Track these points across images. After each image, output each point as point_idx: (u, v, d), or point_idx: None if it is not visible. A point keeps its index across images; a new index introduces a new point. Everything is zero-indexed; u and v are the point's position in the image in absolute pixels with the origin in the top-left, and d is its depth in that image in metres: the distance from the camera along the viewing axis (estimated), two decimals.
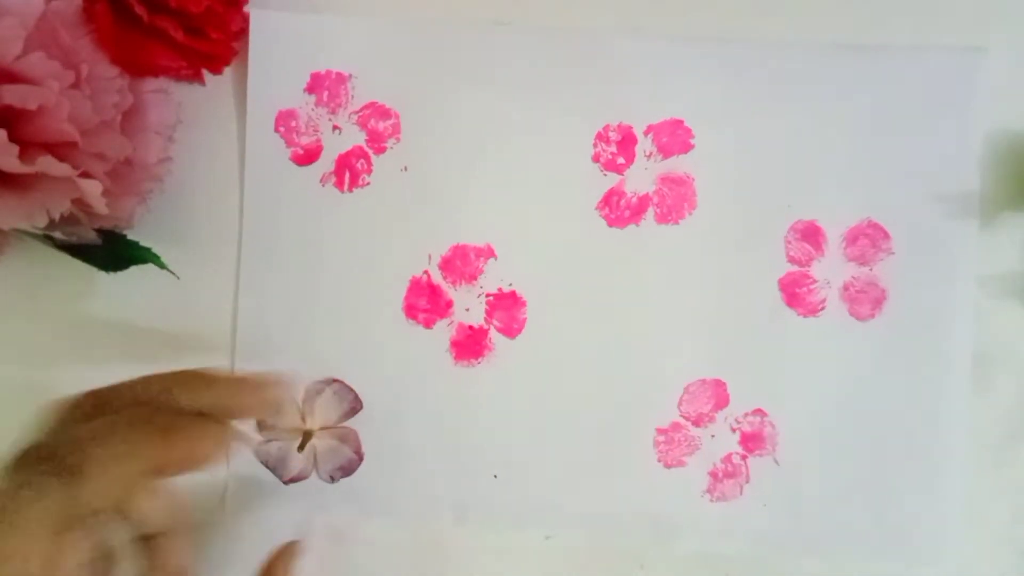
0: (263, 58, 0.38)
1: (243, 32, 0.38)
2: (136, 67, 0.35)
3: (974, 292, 0.38)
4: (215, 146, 0.39)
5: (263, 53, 0.38)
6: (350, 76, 0.38)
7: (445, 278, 0.38)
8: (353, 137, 0.38)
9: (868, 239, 0.38)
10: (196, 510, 0.35)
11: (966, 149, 0.38)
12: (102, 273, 0.38)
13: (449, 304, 0.38)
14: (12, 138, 0.31)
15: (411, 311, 0.38)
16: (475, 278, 0.38)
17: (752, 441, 0.38)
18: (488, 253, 0.38)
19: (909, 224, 0.38)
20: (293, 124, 0.38)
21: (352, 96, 0.38)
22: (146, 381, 0.29)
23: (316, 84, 0.38)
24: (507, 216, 0.38)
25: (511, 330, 0.38)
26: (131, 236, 0.37)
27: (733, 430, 0.38)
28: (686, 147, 0.38)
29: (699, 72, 0.38)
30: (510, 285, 0.38)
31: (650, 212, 0.38)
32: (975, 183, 0.38)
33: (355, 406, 0.38)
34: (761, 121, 0.38)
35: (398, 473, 0.38)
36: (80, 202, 0.33)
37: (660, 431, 0.38)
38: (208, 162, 0.39)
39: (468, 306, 0.38)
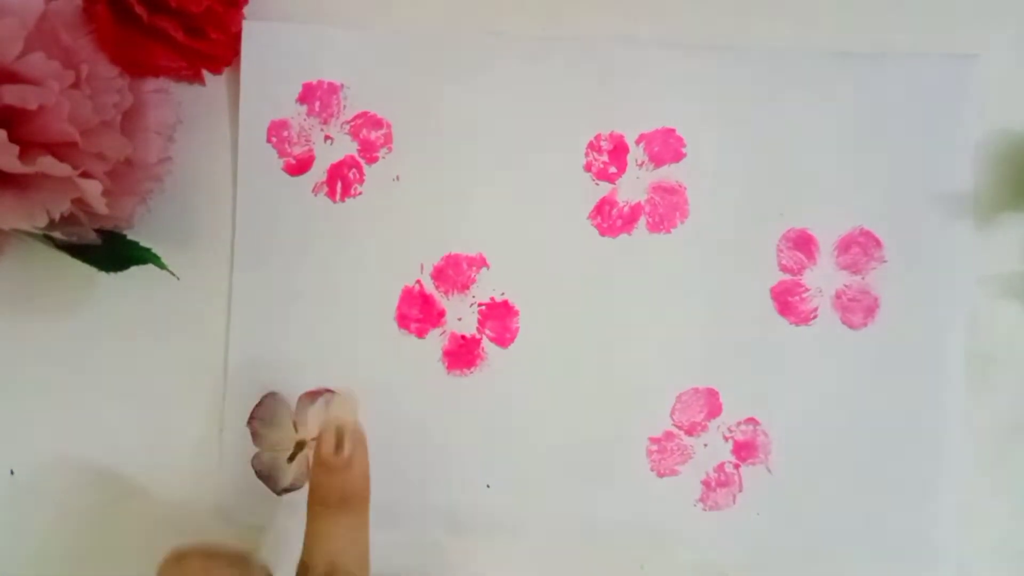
0: (255, 68, 0.38)
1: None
2: (136, 67, 0.35)
3: (967, 299, 0.38)
4: (215, 146, 0.39)
5: (255, 63, 0.38)
6: (342, 86, 0.38)
7: (437, 287, 0.38)
8: (345, 147, 0.38)
9: (860, 247, 0.38)
10: None
11: (959, 156, 0.38)
12: (102, 273, 0.38)
13: (441, 313, 0.38)
14: (12, 138, 0.31)
15: (403, 320, 0.38)
16: (467, 287, 0.38)
17: (745, 450, 0.38)
18: (480, 263, 0.38)
19: (901, 232, 0.38)
20: (285, 134, 0.38)
21: (344, 106, 0.38)
22: None
23: (308, 94, 0.38)
24: (499, 226, 0.38)
25: (504, 339, 0.38)
26: (131, 236, 0.37)
27: (726, 439, 0.38)
28: (678, 156, 0.38)
29: (691, 81, 0.38)
30: (502, 294, 0.38)
31: (642, 221, 0.38)
32: (968, 190, 0.38)
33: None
34: (753, 130, 0.38)
35: (391, 483, 0.38)
36: (80, 202, 0.33)
37: (653, 440, 0.38)
38: (208, 162, 0.39)
39: (460, 315, 0.38)
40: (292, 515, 0.38)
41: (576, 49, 0.38)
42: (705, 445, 0.38)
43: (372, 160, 0.38)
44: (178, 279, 0.38)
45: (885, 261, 0.38)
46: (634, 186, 0.38)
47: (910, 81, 0.38)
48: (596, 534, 0.38)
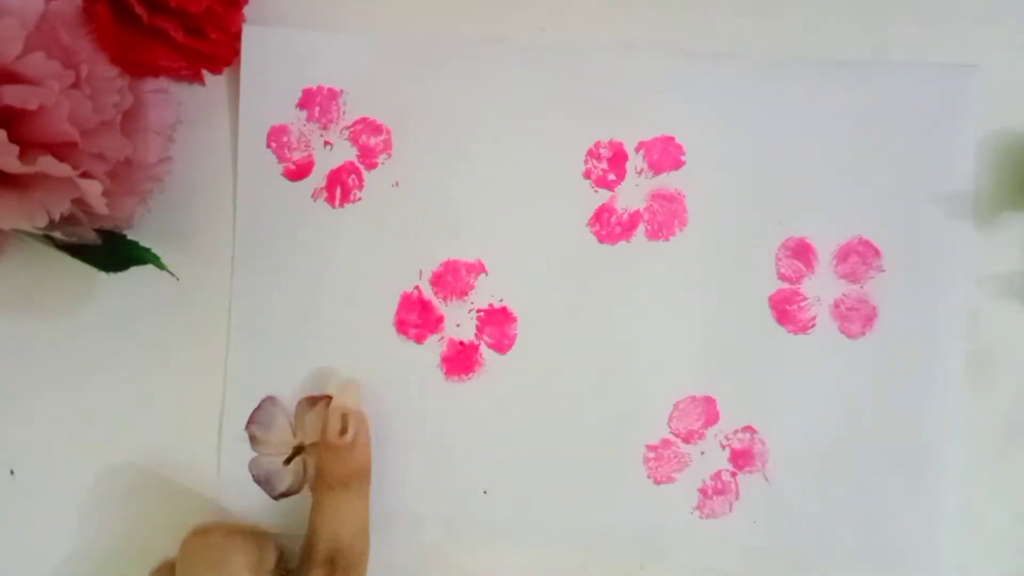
0: (255, 73, 0.38)
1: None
2: (136, 67, 0.35)
3: (966, 305, 0.38)
4: (215, 146, 0.39)
5: (255, 68, 0.38)
6: (342, 92, 0.38)
7: (436, 294, 0.38)
8: (344, 153, 0.38)
9: (859, 256, 0.38)
10: None
11: (958, 166, 0.38)
12: (102, 273, 0.38)
13: (440, 320, 0.38)
14: (12, 138, 0.31)
15: (402, 326, 0.38)
16: (466, 294, 0.38)
17: (742, 458, 0.38)
18: (479, 269, 0.38)
19: (900, 242, 0.38)
20: (285, 139, 0.38)
21: (344, 112, 0.38)
22: None
23: (308, 100, 0.38)
24: (498, 232, 0.38)
25: (502, 346, 0.38)
26: (131, 236, 0.37)
27: (723, 447, 0.38)
28: (677, 164, 0.38)
29: (690, 89, 0.38)
30: (501, 301, 0.38)
31: (641, 229, 0.38)
32: (968, 199, 0.38)
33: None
34: (752, 138, 0.38)
35: (388, 488, 0.38)
36: (80, 202, 0.33)
37: (650, 448, 0.38)
38: (208, 162, 0.39)
39: (459, 322, 0.38)
40: (289, 519, 0.38)
41: (575, 56, 0.38)
42: (702, 453, 0.38)
43: (371, 166, 0.38)
44: (178, 279, 0.38)
45: (883, 270, 0.38)
46: (633, 193, 0.38)
47: (909, 91, 0.38)
48: (593, 541, 0.38)
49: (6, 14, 0.32)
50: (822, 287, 0.38)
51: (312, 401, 0.38)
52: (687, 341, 0.38)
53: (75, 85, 0.32)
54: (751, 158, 0.38)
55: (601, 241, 0.38)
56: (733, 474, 0.38)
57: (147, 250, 0.37)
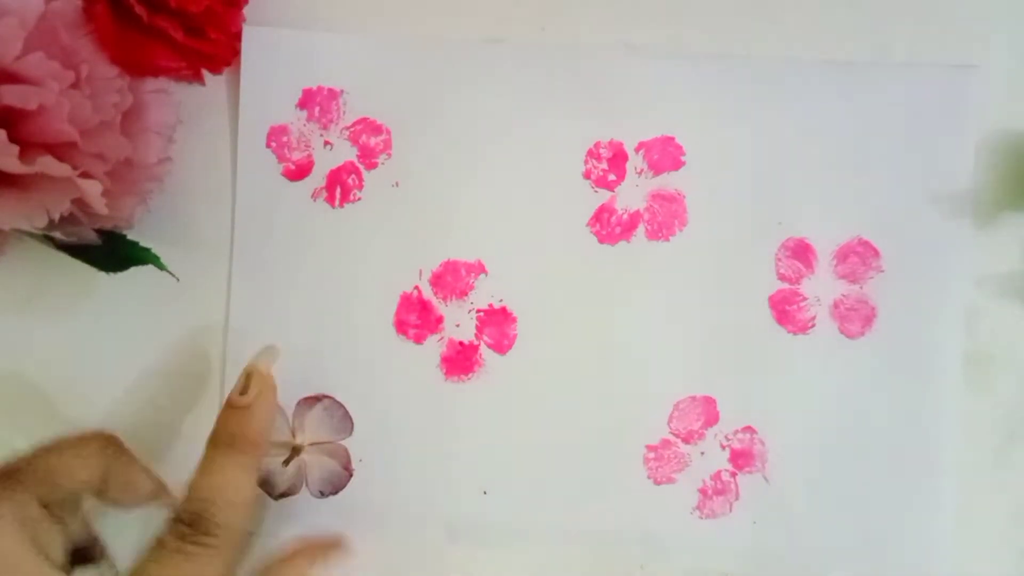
0: (255, 74, 0.38)
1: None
2: (136, 67, 0.35)
3: (965, 309, 0.38)
4: (215, 146, 0.39)
5: (255, 69, 0.38)
6: (342, 92, 0.38)
7: (436, 294, 0.38)
8: (344, 153, 0.38)
9: (858, 257, 0.38)
10: None
11: (957, 166, 0.38)
12: (102, 273, 0.38)
13: (440, 320, 0.38)
14: (12, 138, 0.31)
15: (402, 327, 0.38)
16: (466, 294, 0.38)
17: (742, 458, 0.38)
18: (479, 269, 0.38)
19: (899, 242, 0.38)
20: (285, 139, 0.38)
21: (344, 112, 0.38)
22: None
23: (308, 100, 0.38)
24: (498, 232, 0.38)
25: (502, 346, 0.38)
26: (131, 236, 0.37)
27: (723, 447, 0.38)
28: (677, 164, 0.38)
29: (690, 89, 0.38)
30: (501, 301, 0.38)
31: (641, 229, 0.38)
32: (968, 199, 0.38)
33: (346, 423, 0.38)
34: (752, 138, 0.38)
35: (388, 489, 0.38)
36: (80, 202, 0.33)
37: (650, 448, 0.38)
38: (208, 162, 0.39)
39: (459, 322, 0.38)
40: (288, 521, 0.38)
41: (575, 56, 0.38)
42: (702, 453, 0.38)
43: (371, 166, 0.38)
44: (178, 279, 0.38)
45: (883, 270, 0.38)
46: (633, 194, 0.38)
47: (909, 91, 0.38)
48: (593, 541, 0.38)
49: (6, 14, 0.32)
50: (822, 287, 0.38)
51: (311, 402, 0.38)
52: (687, 341, 0.38)
53: (75, 85, 0.32)
54: (751, 158, 0.38)
55: (601, 241, 0.38)
56: (733, 474, 0.38)
57: (147, 250, 0.37)
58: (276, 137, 0.38)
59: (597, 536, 0.38)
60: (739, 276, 0.38)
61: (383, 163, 0.38)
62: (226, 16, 0.37)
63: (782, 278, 0.38)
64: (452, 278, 0.38)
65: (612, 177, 0.38)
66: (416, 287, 0.38)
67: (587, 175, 0.38)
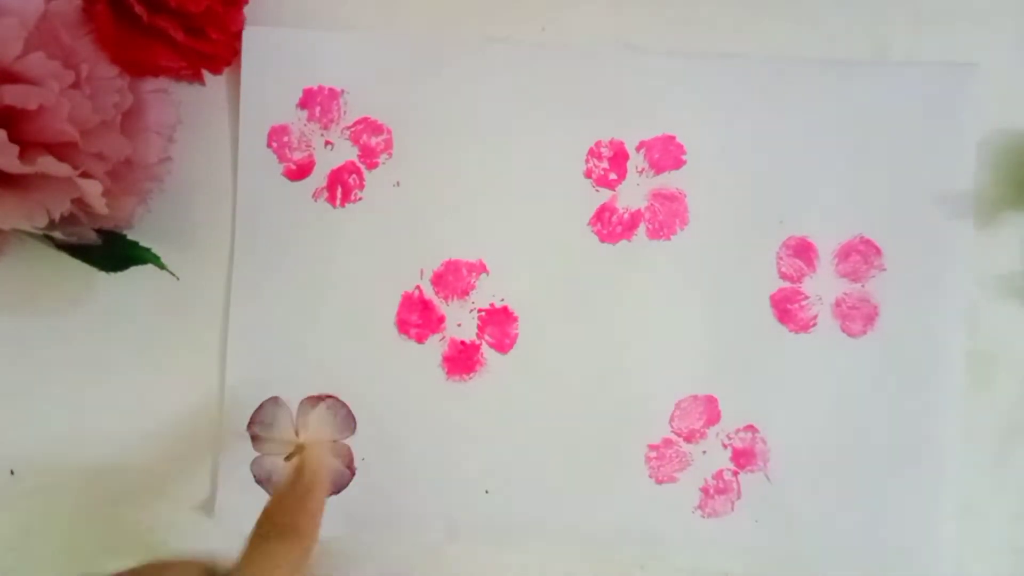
0: (256, 73, 0.38)
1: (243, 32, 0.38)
2: (136, 67, 0.35)
3: (967, 304, 0.38)
4: (215, 146, 0.39)
5: (256, 69, 0.38)
6: (342, 92, 0.38)
7: (437, 293, 0.38)
8: (345, 152, 0.38)
9: (860, 255, 0.38)
10: None
11: (959, 164, 0.38)
12: (102, 273, 0.38)
13: (441, 319, 0.38)
14: (12, 138, 0.31)
15: (403, 326, 0.38)
16: (467, 293, 0.38)
17: (743, 457, 0.38)
18: (480, 268, 0.38)
19: (901, 240, 0.38)
20: (286, 139, 0.38)
21: (344, 112, 0.38)
22: None
23: (308, 99, 0.38)
24: (499, 231, 0.38)
25: (503, 345, 0.38)
26: (131, 236, 0.37)
27: (724, 446, 0.38)
28: (678, 163, 0.38)
29: (691, 88, 0.38)
30: (502, 300, 0.38)
31: (642, 228, 0.38)
32: (968, 199, 0.38)
33: (349, 423, 0.38)
34: (753, 137, 0.38)
35: (390, 488, 0.38)
36: (80, 202, 0.33)
37: (652, 447, 0.38)
38: (208, 163, 0.39)
39: (460, 321, 0.38)
40: None
41: (576, 56, 0.38)
42: (704, 452, 0.38)
43: (372, 166, 0.38)
44: (178, 279, 0.38)
45: (885, 269, 0.38)
46: (634, 193, 0.38)
47: (910, 90, 0.38)
48: (594, 540, 0.38)
49: (6, 14, 0.32)
50: (823, 286, 0.38)
51: (314, 401, 0.38)
52: (688, 340, 0.38)
53: (75, 85, 0.32)
54: (752, 157, 0.38)
55: (602, 240, 0.38)
56: (735, 473, 0.38)
57: (147, 250, 0.37)
58: (277, 137, 0.38)
59: (598, 535, 0.38)
60: (740, 275, 0.38)
61: (384, 163, 0.38)
62: (226, 16, 0.37)
63: (783, 277, 0.38)
64: (453, 277, 0.38)
65: (613, 176, 0.38)
66: (417, 287, 0.38)
67: (588, 174, 0.38)
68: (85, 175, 0.33)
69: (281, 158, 0.38)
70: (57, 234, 0.35)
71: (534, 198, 0.38)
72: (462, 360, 0.38)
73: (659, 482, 0.38)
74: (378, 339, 0.38)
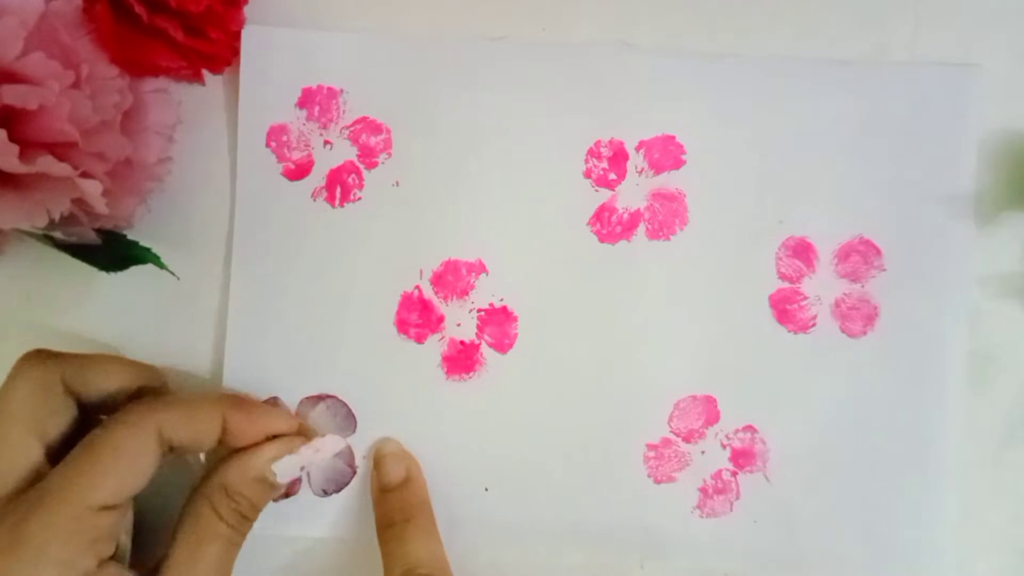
0: (254, 72, 0.38)
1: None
2: (136, 67, 0.35)
3: (967, 304, 0.38)
4: (215, 146, 0.39)
5: (254, 68, 0.38)
6: (341, 91, 0.38)
7: (436, 293, 0.38)
8: (344, 152, 0.38)
9: (860, 256, 0.38)
10: None
11: (959, 165, 0.38)
12: (102, 273, 0.37)
13: (440, 319, 0.38)
14: (12, 138, 0.31)
15: (402, 326, 0.38)
16: (466, 293, 0.38)
17: (743, 457, 0.38)
18: (480, 268, 0.38)
19: (901, 241, 0.38)
20: (284, 139, 0.38)
21: (343, 111, 0.38)
22: None
23: (307, 99, 0.38)
24: (499, 231, 0.38)
25: (502, 345, 0.38)
26: (131, 236, 0.37)
27: (724, 446, 0.38)
28: (678, 163, 0.38)
29: (691, 88, 0.38)
30: (501, 300, 0.38)
31: (641, 228, 0.38)
32: (969, 200, 0.38)
33: (349, 422, 0.38)
34: (753, 137, 0.38)
35: None
36: (80, 202, 0.33)
37: (650, 447, 0.38)
38: (208, 162, 0.39)
39: (459, 321, 0.38)
40: (291, 520, 0.38)
41: (576, 55, 0.38)
42: (703, 452, 0.38)
43: (372, 165, 0.38)
44: (178, 279, 0.38)
45: (885, 269, 0.38)
46: (634, 193, 0.38)
47: (910, 90, 0.38)
48: (593, 540, 0.38)
49: (6, 14, 0.32)
50: (823, 286, 0.38)
51: (314, 400, 0.38)
52: (688, 340, 0.38)
53: (75, 85, 0.32)
54: (752, 157, 0.38)
55: (602, 240, 0.38)
56: (734, 473, 0.38)
57: (147, 250, 0.37)
58: (276, 136, 0.38)
59: (597, 535, 0.38)
60: (740, 275, 0.38)
61: (383, 162, 0.38)
62: (226, 16, 0.37)
63: (783, 277, 0.38)
64: (453, 277, 0.38)
65: (612, 176, 0.38)
66: (417, 286, 0.38)
67: (587, 174, 0.38)
68: (85, 175, 0.33)
69: (280, 158, 0.38)
70: (57, 234, 0.35)
71: (533, 198, 0.38)
72: (462, 360, 0.38)
73: (658, 482, 0.38)
74: (377, 339, 0.38)
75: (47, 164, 0.31)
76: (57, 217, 0.33)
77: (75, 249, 0.36)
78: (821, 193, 0.38)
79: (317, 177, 0.38)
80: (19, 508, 0.29)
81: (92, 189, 0.33)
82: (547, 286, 0.38)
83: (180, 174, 0.38)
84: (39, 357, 0.33)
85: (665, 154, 0.38)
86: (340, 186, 0.38)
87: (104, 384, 0.34)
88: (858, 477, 0.38)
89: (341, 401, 0.38)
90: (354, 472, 0.38)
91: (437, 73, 0.38)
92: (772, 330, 0.38)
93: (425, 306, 0.38)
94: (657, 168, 0.38)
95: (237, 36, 0.38)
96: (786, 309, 0.38)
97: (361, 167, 0.38)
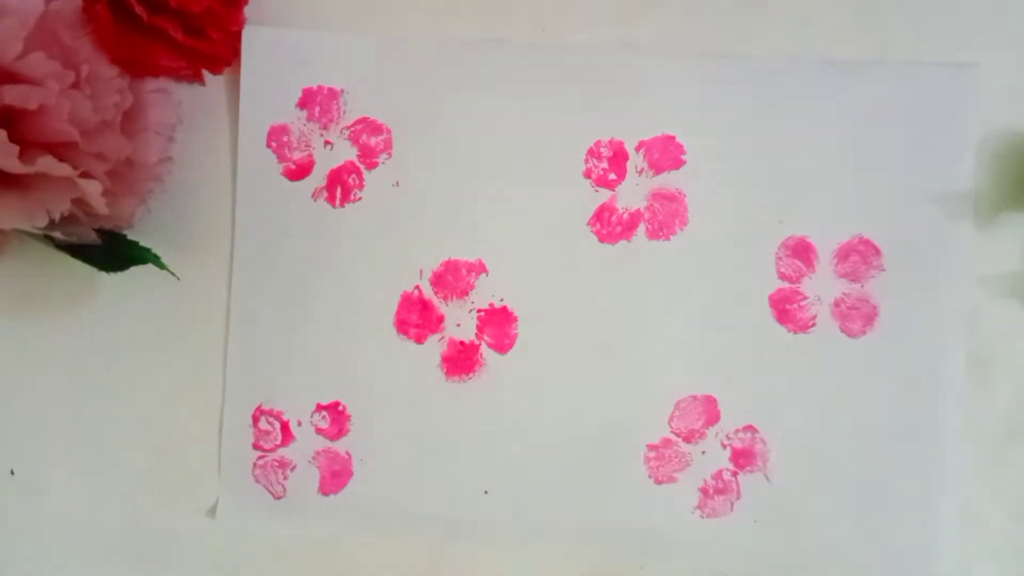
0: (255, 73, 0.38)
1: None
2: (136, 67, 0.36)
3: (967, 304, 0.38)
4: (215, 146, 0.39)
5: (255, 68, 0.38)
6: (342, 91, 0.38)
7: (436, 293, 0.38)
8: (345, 152, 0.38)
9: (859, 255, 0.38)
10: None
11: (959, 165, 0.38)
12: (102, 273, 0.38)
13: (440, 319, 0.38)
14: (12, 138, 0.31)
15: (402, 326, 0.38)
16: (466, 293, 0.38)
17: (743, 457, 0.38)
18: (479, 268, 0.38)
19: (900, 241, 0.38)
20: (285, 139, 0.38)
21: (344, 111, 0.38)
22: None
23: (308, 99, 0.38)
24: (498, 231, 0.38)
25: (502, 346, 0.38)
26: (131, 236, 0.38)
27: (724, 446, 0.38)
28: (678, 163, 0.38)
29: (691, 88, 0.38)
30: (501, 300, 0.38)
31: (641, 228, 0.38)
32: (969, 200, 0.38)
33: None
34: (752, 137, 0.38)
35: (389, 489, 0.38)
36: (80, 202, 0.33)
37: (651, 447, 0.38)
38: (208, 163, 0.39)
39: (459, 321, 0.38)
40: (290, 520, 0.38)
41: (576, 56, 0.38)
42: (703, 452, 0.38)
43: (372, 166, 0.38)
44: (178, 279, 0.38)
45: (884, 269, 0.38)
46: (634, 193, 0.38)
47: (910, 90, 0.38)
48: (593, 541, 0.38)
49: (6, 14, 0.32)
50: (822, 286, 0.38)
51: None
52: (688, 340, 0.38)
53: (75, 85, 0.33)
54: (751, 157, 0.38)
55: (602, 240, 0.38)
56: (734, 473, 0.38)
57: (147, 250, 0.37)
58: (276, 137, 0.38)
59: (597, 535, 0.38)
60: (740, 275, 0.38)
61: (383, 163, 0.38)
62: (226, 16, 0.37)
63: (783, 277, 0.38)
64: (453, 277, 0.38)
65: (613, 176, 0.38)
66: (417, 287, 0.38)
67: (587, 174, 0.38)
68: (85, 175, 0.33)
69: (281, 158, 0.38)
70: (57, 234, 0.35)
71: (533, 198, 0.38)
72: (461, 360, 0.38)
73: (658, 482, 0.38)
74: (377, 339, 0.38)
75: (47, 164, 0.31)
76: (57, 217, 0.33)
77: (75, 249, 0.36)
78: (821, 193, 0.38)
79: (318, 177, 0.38)
80: None
81: (92, 189, 0.33)
82: (547, 286, 0.38)
83: (180, 174, 0.38)
84: None
85: (665, 154, 0.38)
86: (340, 186, 0.38)
87: None
88: (858, 476, 0.38)
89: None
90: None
91: (438, 73, 0.38)
92: (772, 330, 0.38)
93: (425, 306, 0.38)
94: (657, 168, 0.38)
95: (237, 36, 0.38)
96: (786, 309, 0.38)
97: (361, 167, 0.38)
